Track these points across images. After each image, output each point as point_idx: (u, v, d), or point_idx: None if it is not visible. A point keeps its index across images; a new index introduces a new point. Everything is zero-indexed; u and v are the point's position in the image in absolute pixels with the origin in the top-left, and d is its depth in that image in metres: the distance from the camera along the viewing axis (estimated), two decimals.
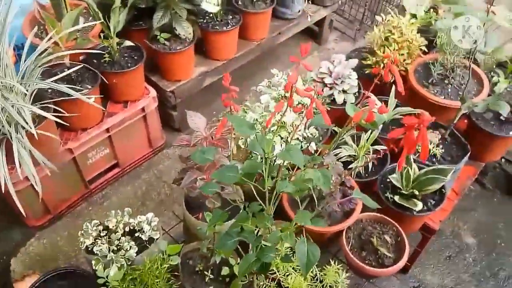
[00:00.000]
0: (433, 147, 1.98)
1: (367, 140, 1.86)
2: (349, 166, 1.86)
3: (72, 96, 1.84)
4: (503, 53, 2.24)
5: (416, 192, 1.76)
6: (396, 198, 1.78)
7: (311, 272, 1.57)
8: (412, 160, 1.80)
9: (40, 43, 1.80)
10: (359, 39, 3.51)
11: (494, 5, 1.67)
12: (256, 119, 1.52)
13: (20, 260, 2.15)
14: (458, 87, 2.16)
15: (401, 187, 1.79)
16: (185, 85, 2.51)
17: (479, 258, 2.48)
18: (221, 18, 2.50)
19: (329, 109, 2.02)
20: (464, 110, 1.92)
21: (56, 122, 1.95)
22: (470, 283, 2.37)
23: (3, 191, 1.68)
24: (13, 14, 1.67)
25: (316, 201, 1.53)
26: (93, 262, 1.38)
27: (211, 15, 2.50)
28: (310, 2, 3.06)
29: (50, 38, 1.76)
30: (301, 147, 1.51)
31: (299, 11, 2.97)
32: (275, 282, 1.56)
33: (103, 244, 1.41)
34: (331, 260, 1.65)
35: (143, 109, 2.31)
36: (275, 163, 1.13)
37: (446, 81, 2.17)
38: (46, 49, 1.77)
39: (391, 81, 2.22)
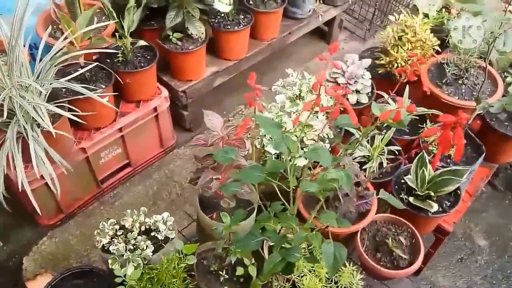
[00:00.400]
0: None
1: (381, 140, 1.85)
2: (363, 167, 1.85)
3: (87, 95, 1.85)
4: None
5: (432, 193, 1.75)
6: (411, 199, 1.78)
7: (326, 273, 1.56)
8: (427, 161, 1.79)
9: (55, 43, 1.81)
10: (369, 39, 3.49)
11: (511, 4, 1.65)
12: (272, 119, 1.51)
13: (32, 259, 2.16)
14: (472, 87, 2.14)
15: (416, 188, 1.79)
16: (197, 85, 2.50)
17: (491, 260, 2.46)
18: (232, 17, 2.50)
19: (342, 109, 2.01)
20: (479, 110, 1.91)
21: (70, 121, 1.97)
22: (482, 285, 2.35)
23: (20, 190, 1.69)
24: (30, 13, 1.67)
25: (332, 202, 1.52)
26: (109, 261, 1.38)
27: (222, 14, 2.49)
28: (321, 1, 3.05)
29: (66, 37, 1.76)
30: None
31: (309, 10, 2.96)
32: (289, 283, 1.55)
33: (120, 243, 1.41)
34: (345, 262, 1.64)
35: (155, 109, 2.31)
36: (291, 163, 1.13)
37: (460, 81, 2.15)
38: (61, 49, 1.78)
39: (405, 80, 2.22)
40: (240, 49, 2.62)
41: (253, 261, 1.54)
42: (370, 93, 2.14)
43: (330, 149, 1.61)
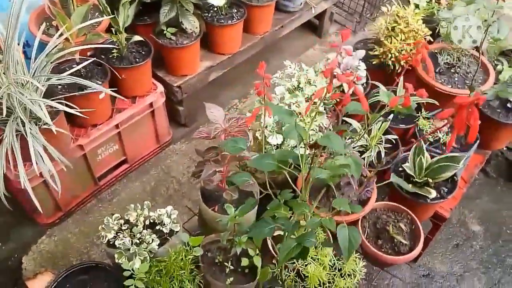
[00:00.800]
0: (442, 136, 2.00)
1: (378, 129, 1.87)
2: (361, 156, 1.87)
3: (83, 91, 1.84)
4: (506, 41, 2.27)
5: (430, 180, 1.78)
6: (410, 186, 1.80)
7: (330, 261, 1.58)
8: (424, 148, 1.82)
9: (49, 40, 1.79)
10: (359, 31, 3.52)
11: None
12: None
13: (32, 258, 2.15)
14: (465, 75, 2.18)
15: (414, 176, 1.81)
16: (192, 80, 2.50)
17: (486, 245, 2.51)
18: (225, 11, 2.50)
19: (339, 100, 2.03)
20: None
21: (66, 118, 1.96)
22: (478, 270, 2.41)
23: (19, 188, 1.68)
24: (24, 10, 1.65)
25: (332, 191, 1.54)
26: (116, 255, 1.38)
27: (215, 9, 2.49)
28: None
29: (61, 34, 1.74)
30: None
31: (301, 4, 2.97)
32: (294, 272, 1.57)
33: (125, 237, 1.41)
34: None
35: (151, 105, 2.31)
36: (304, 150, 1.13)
37: (452, 70, 2.19)
38: (56, 45, 1.76)
39: (399, 71, 2.25)
40: (234, 43, 2.63)
41: (257, 251, 1.56)
42: (365, 84, 2.16)
43: None
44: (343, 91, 2.10)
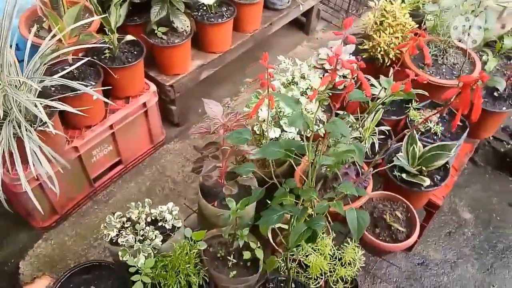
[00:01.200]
0: (433, 125, 2.05)
1: (371, 121, 1.91)
2: None
3: (77, 92, 1.84)
4: (491, 32, 2.33)
5: (423, 168, 1.82)
6: (404, 175, 1.84)
7: (330, 250, 1.61)
8: (417, 138, 1.86)
9: (41, 42, 1.78)
10: None
11: None
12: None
13: (29, 263, 2.13)
14: (452, 67, 2.24)
15: (408, 165, 1.85)
16: (184, 79, 2.51)
17: (477, 232, 2.57)
18: (215, 10, 2.51)
19: (330, 94, 2.07)
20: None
21: (60, 120, 1.95)
22: (471, 256, 2.46)
23: (15, 192, 1.67)
24: (16, 12, 1.65)
25: (330, 182, 1.57)
26: (119, 253, 1.39)
27: (205, 7, 2.51)
28: None
29: (54, 35, 1.74)
30: (317, 130, 1.54)
31: (288, 1, 3.00)
32: (296, 263, 1.59)
33: (129, 234, 1.42)
34: (348, 239, 1.69)
35: (144, 104, 2.31)
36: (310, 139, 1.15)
37: (440, 62, 2.24)
38: (49, 46, 1.76)
39: (388, 64, 2.30)
40: (224, 42, 2.64)
41: (258, 244, 1.58)
42: (356, 77, 2.19)
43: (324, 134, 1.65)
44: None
